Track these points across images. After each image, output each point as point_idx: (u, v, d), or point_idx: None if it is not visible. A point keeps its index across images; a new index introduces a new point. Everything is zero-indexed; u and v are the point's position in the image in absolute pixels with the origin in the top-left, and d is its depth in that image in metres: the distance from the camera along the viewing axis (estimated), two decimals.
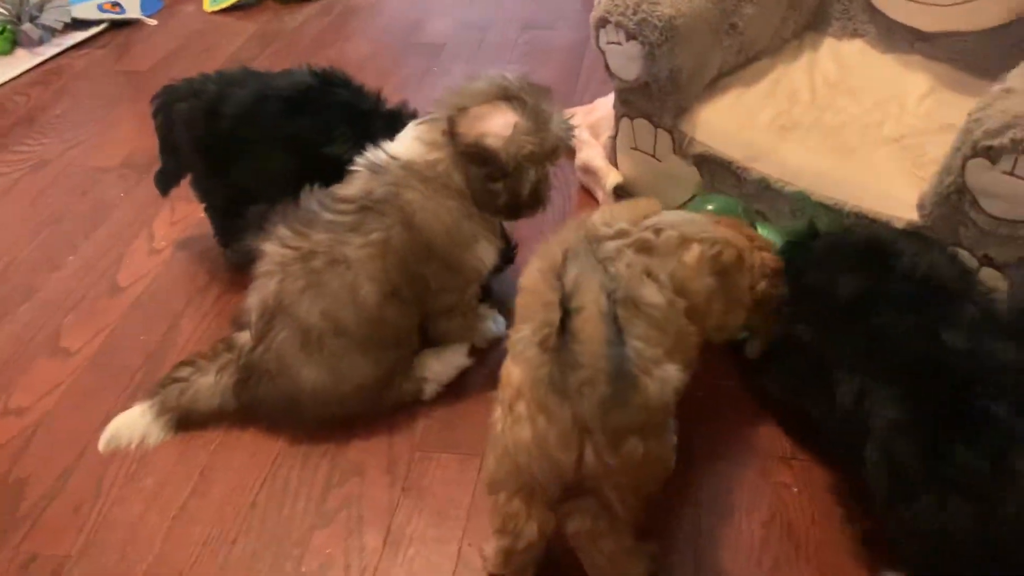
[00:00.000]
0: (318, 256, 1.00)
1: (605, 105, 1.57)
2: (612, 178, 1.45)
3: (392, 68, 2.00)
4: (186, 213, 1.52)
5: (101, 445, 1.09)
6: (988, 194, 0.99)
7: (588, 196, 1.53)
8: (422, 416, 1.12)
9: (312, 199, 1.05)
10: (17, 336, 1.29)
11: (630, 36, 1.26)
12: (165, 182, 1.39)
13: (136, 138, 1.76)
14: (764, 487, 1.02)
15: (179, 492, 1.04)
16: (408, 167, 1.03)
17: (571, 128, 1.08)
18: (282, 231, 1.02)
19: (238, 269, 1.31)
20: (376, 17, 2.27)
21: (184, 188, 1.55)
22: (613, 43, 1.30)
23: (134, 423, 1.08)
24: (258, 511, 1.02)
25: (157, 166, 1.66)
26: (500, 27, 2.15)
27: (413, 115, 1.23)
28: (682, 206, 1.37)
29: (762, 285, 1.01)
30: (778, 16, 1.38)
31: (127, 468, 1.08)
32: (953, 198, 1.02)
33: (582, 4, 2.23)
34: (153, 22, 2.28)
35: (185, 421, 1.09)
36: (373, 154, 1.06)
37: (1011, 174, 0.96)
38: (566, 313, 0.72)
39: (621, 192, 1.46)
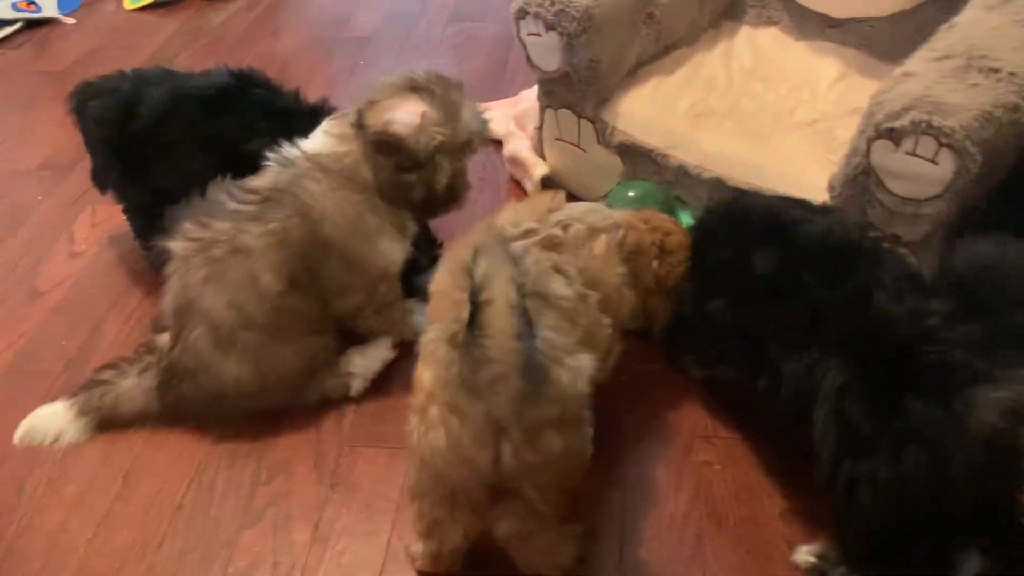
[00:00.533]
0: (219, 245, 0.99)
1: (530, 96, 1.57)
2: (540, 169, 1.46)
3: (320, 63, 1.99)
4: (108, 215, 1.49)
5: (17, 438, 1.07)
6: (893, 174, 1.02)
7: (518, 187, 1.54)
8: (349, 411, 1.12)
9: (221, 191, 1.04)
10: None
11: (549, 27, 1.28)
12: (101, 180, 1.35)
13: (55, 139, 1.72)
14: (687, 466, 1.04)
15: (102, 497, 1.03)
16: (314, 159, 1.03)
17: (485, 120, 1.09)
18: (186, 225, 1.02)
19: (161, 270, 1.29)
20: (303, 11, 2.25)
21: None
22: (533, 34, 1.31)
23: (52, 419, 1.06)
24: (184, 513, 1.01)
25: (77, 167, 1.64)
26: (428, 20, 2.15)
27: (334, 111, 1.22)
28: (605, 195, 1.40)
29: (654, 265, 1.03)
30: (695, 5, 1.41)
31: (48, 475, 1.06)
32: (860, 179, 1.06)
33: None
34: (71, 21, 2.22)
35: (107, 424, 1.07)
36: (286, 149, 1.06)
37: (913, 154, 0.99)
38: (475, 307, 0.73)
39: (549, 182, 1.47)
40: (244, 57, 2.01)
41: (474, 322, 0.74)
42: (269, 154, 1.05)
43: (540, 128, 1.46)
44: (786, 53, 1.38)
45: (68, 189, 1.57)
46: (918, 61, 1.04)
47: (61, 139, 1.72)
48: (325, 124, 1.06)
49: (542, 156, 1.49)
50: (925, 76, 1.01)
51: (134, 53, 2.05)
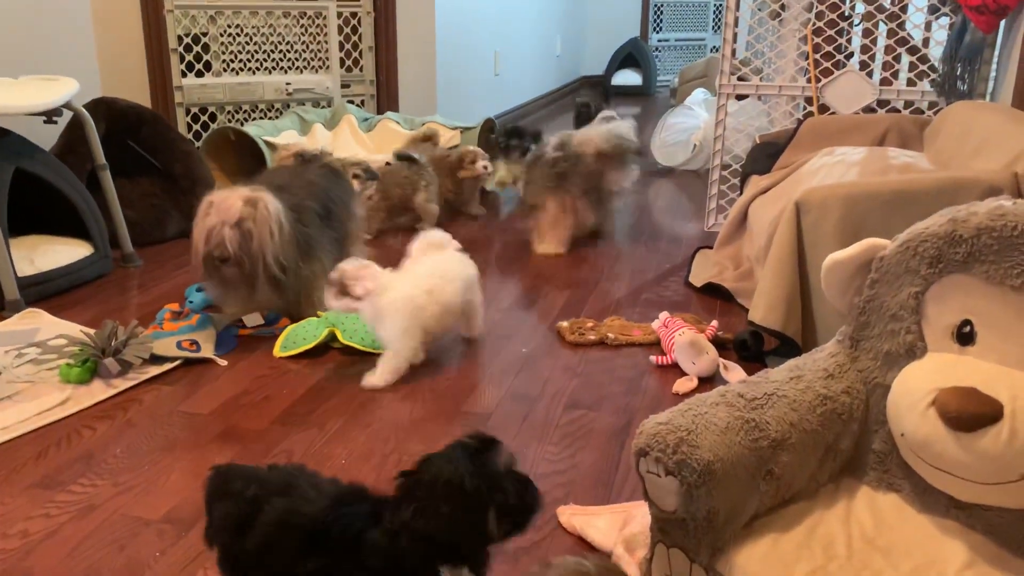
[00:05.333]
0: None
1: (641, 519, 1.59)
2: None
3: (439, 436, 2.08)
4: None
5: None
6: None
7: None
8: None
9: None
10: None
11: (668, 472, 1.31)
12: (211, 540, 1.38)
13: (183, 490, 1.82)
14: None
15: None
16: None
17: None
18: None
19: None
20: (433, 382, 2.39)
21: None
22: (652, 473, 1.35)
23: None
24: None
25: (197, 525, 1.70)
26: (546, 403, 2.25)
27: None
28: None
29: None
30: (814, 461, 1.43)
31: None
32: None
33: (624, 388, 2.33)
34: (223, 362, 2.44)
35: None
36: None
37: None
38: None
39: None
40: (372, 420, 2.13)
41: None
42: None
43: (650, 560, 1.45)
44: (908, 525, 1.36)
45: (185, 548, 1.62)
46: None
47: (188, 491, 1.82)
48: None
49: None
50: None
51: (271, 404, 2.21)
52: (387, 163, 3.93)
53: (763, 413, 1.39)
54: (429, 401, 2.26)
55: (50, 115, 3.00)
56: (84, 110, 3.12)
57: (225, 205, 2.39)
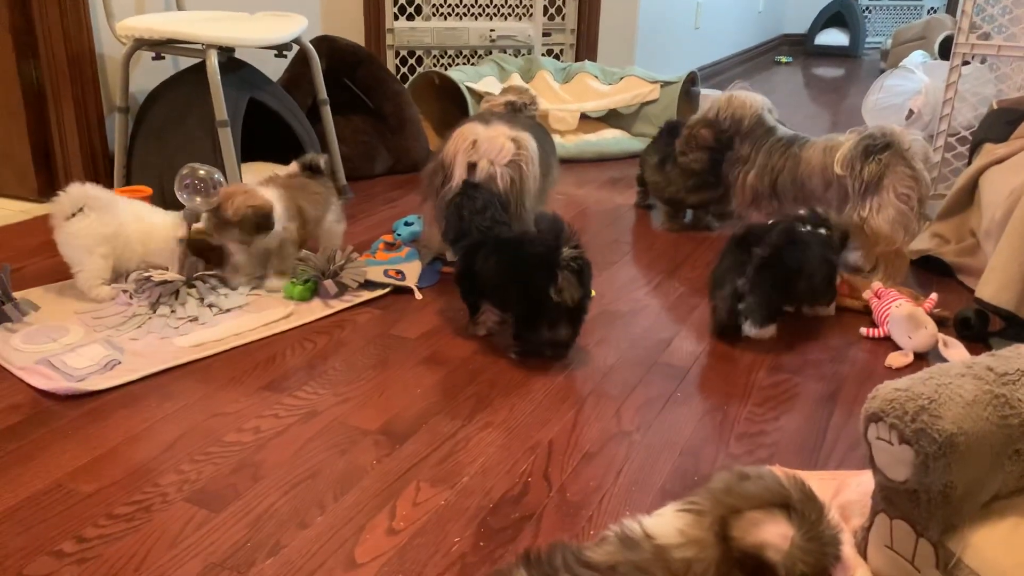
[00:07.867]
0: None
1: (856, 487, 1.52)
2: (860, 573, 1.37)
3: (636, 384, 2.08)
4: (429, 495, 1.60)
5: None
6: None
7: None
8: None
9: (558, 554, 1.06)
10: None
11: (903, 440, 1.25)
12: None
13: (395, 406, 1.92)
14: None
15: None
16: (660, 555, 1.03)
17: (840, 548, 1.06)
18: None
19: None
20: (628, 328, 2.39)
21: (430, 469, 1.65)
22: (883, 440, 1.28)
23: None
24: None
25: (411, 439, 1.79)
26: (747, 363, 2.20)
27: None
28: None
29: None
30: None
31: None
32: None
33: (830, 356, 2.24)
34: (420, 296, 2.54)
35: None
36: (630, 523, 1.07)
37: None
38: None
39: None
40: (568, 362, 2.16)
41: None
42: (611, 527, 1.08)
43: (868, 529, 1.39)
44: None
45: (399, 460, 1.72)
46: None
47: (401, 407, 1.91)
48: (678, 518, 1.07)
49: (864, 555, 1.41)
50: None
51: (473, 336, 2.28)
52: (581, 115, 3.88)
53: (1015, 389, 1.29)
54: (625, 349, 2.26)
55: (281, 49, 3.18)
56: (311, 46, 3.29)
57: (496, 145, 2.37)
